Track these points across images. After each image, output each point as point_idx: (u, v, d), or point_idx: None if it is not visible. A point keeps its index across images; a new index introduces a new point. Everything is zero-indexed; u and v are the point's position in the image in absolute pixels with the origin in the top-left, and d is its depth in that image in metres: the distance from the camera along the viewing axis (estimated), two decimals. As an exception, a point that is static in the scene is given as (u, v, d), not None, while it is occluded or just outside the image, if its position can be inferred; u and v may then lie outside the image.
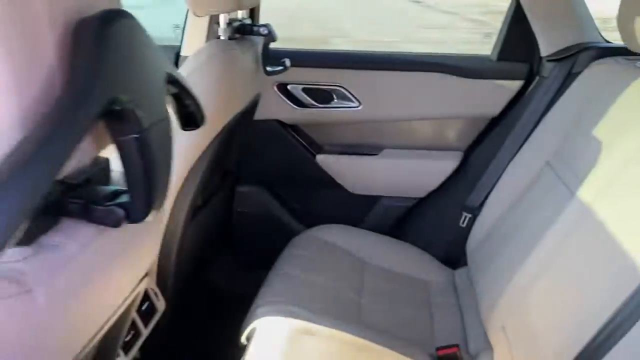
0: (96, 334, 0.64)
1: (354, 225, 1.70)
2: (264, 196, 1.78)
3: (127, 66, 0.49)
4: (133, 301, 0.82)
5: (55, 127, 0.41)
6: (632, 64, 1.28)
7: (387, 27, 11.28)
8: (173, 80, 0.60)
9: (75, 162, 0.48)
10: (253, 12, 1.62)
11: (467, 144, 1.72)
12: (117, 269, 0.62)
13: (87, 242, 0.54)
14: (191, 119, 0.72)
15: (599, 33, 1.56)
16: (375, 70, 1.68)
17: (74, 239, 0.53)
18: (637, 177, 0.94)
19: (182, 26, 1.65)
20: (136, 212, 0.54)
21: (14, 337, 0.47)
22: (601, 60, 1.39)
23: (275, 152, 1.75)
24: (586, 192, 1.06)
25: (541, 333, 0.99)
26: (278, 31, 1.38)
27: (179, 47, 1.65)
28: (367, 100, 1.69)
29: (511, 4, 1.59)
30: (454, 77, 1.65)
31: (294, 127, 1.75)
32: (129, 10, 0.51)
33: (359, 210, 1.77)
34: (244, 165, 1.76)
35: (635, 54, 1.25)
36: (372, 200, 1.77)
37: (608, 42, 1.54)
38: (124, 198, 0.55)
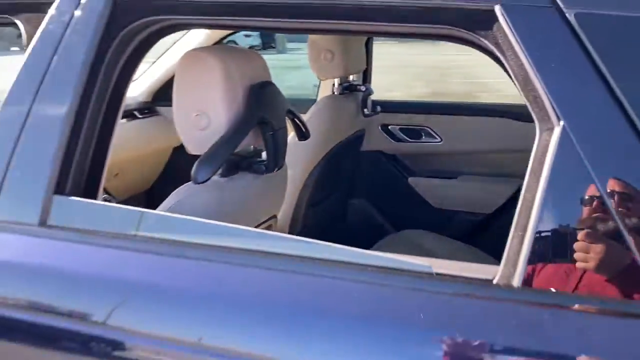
0: None
1: (436, 232, 2.24)
2: (369, 207, 2.41)
3: (269, 104, 1.19)
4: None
5: (233, 130, 1.11)
6: None
7: (537, 81, 11.32)
8: (290, 112, 1.29)
9: (247, 144, 1.17)
10: (366, 73, 2.31)
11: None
12: (258, 199, 1.30)
13: (251, 179, 1.24)
14: (302, 134, 1.41)
15: None
16: (453, 115, 2.26)
17: (244, 179, 1.23)
18: None
19: (318, 85, 2.41)
20: (269, 168, 1.23)
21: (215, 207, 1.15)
22: None
23: (379, 175, 2.38)
24: None
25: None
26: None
27: (315, 100, 2.40)
28: (447, 137, 2.26)
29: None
30: (515, 121, 2.16)
31: (393, 156, 2.38)
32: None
33: (440, 221, 2.32)
34: (355, 184, 2.42)
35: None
36: (451, 213, 2.31)
37: None
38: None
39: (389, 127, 2.33)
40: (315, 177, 1.83)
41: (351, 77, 2.11)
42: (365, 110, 2.07)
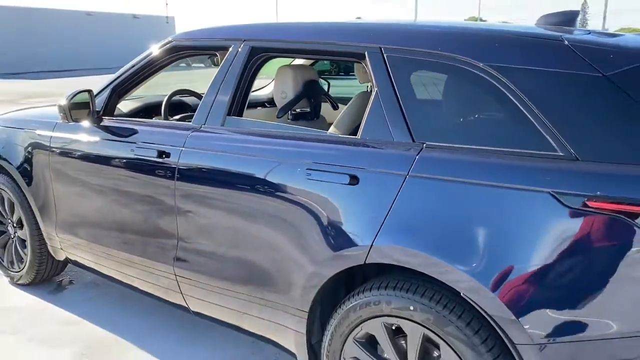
0: None
1: None
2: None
3: (312, 89, 2.79)
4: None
5: (294, 99, 2.73)
6: None
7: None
8: (325, 94, 2.88)
9: (302, 106, 2.78)
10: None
11: None
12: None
13: (304, 122, 2.82)
14: (333, 105, 2.99)
15: None
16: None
17: (301, 122, 2.82)
18: None
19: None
20: (311, 117, 2.83)
21: None
22: None
23: None
24: None
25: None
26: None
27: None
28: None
29: None
30: None
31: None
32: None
33: None
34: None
35: None
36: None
37: None
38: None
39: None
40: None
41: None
42: None
